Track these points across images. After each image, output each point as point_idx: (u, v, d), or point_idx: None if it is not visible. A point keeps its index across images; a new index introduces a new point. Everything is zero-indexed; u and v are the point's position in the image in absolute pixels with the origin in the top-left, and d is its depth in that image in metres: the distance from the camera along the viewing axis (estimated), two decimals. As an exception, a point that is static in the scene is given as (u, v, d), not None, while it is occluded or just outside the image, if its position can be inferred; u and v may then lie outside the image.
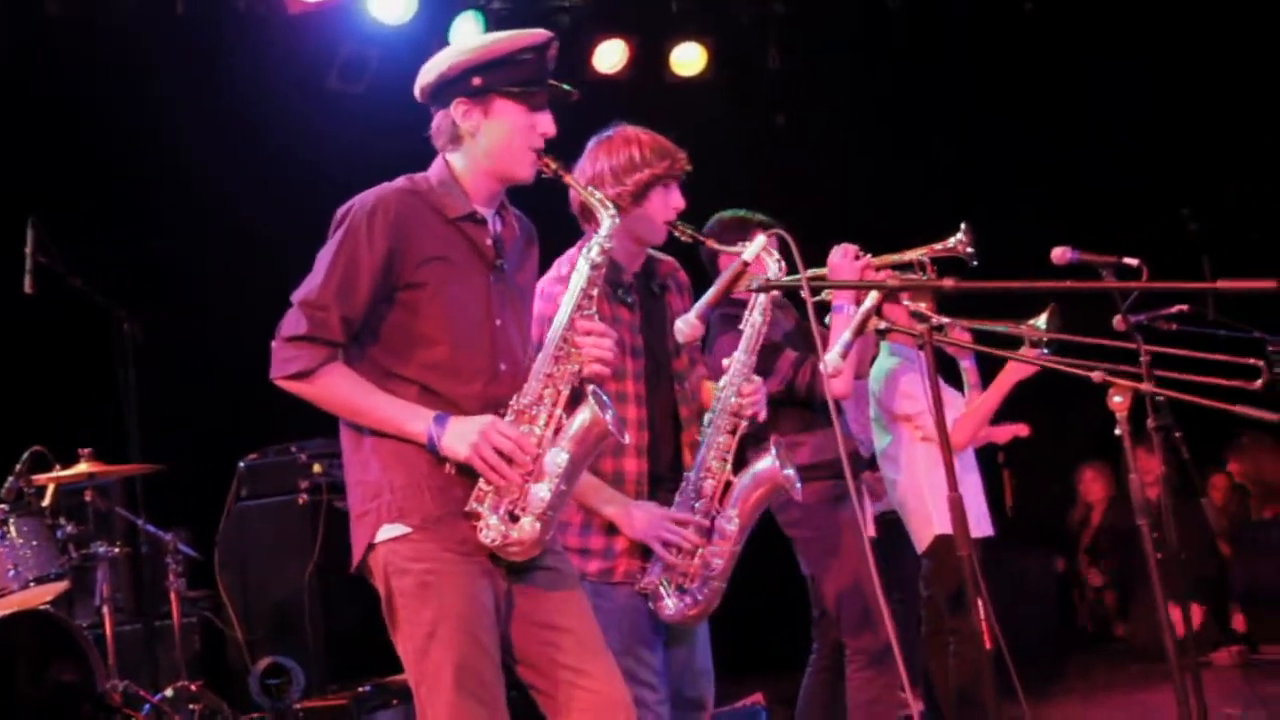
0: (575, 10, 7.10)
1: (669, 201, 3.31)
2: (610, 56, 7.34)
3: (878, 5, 7.62)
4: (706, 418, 3.30)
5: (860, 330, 3.87)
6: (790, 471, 3.31)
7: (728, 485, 3.29)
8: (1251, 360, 3.73)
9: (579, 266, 2.93)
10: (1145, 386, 3.13)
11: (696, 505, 3.25)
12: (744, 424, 3.30)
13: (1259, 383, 3.70)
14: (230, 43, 6.51)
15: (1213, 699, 4.15)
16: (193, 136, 6.44)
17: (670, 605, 3.23)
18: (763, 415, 3.35)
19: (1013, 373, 4.61)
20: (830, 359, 3.78)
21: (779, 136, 8.18)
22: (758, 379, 3.34)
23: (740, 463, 3.33)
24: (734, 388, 3.30)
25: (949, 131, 8.13)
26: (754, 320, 3.34)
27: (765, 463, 3.31)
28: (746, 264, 3.23)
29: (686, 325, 3.23)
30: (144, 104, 6.42)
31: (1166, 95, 7.96)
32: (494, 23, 6.63)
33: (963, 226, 3.90)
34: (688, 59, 7.54)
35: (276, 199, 6.37)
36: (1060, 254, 3.81)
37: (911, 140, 8.05)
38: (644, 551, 3.24)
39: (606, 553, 3.22)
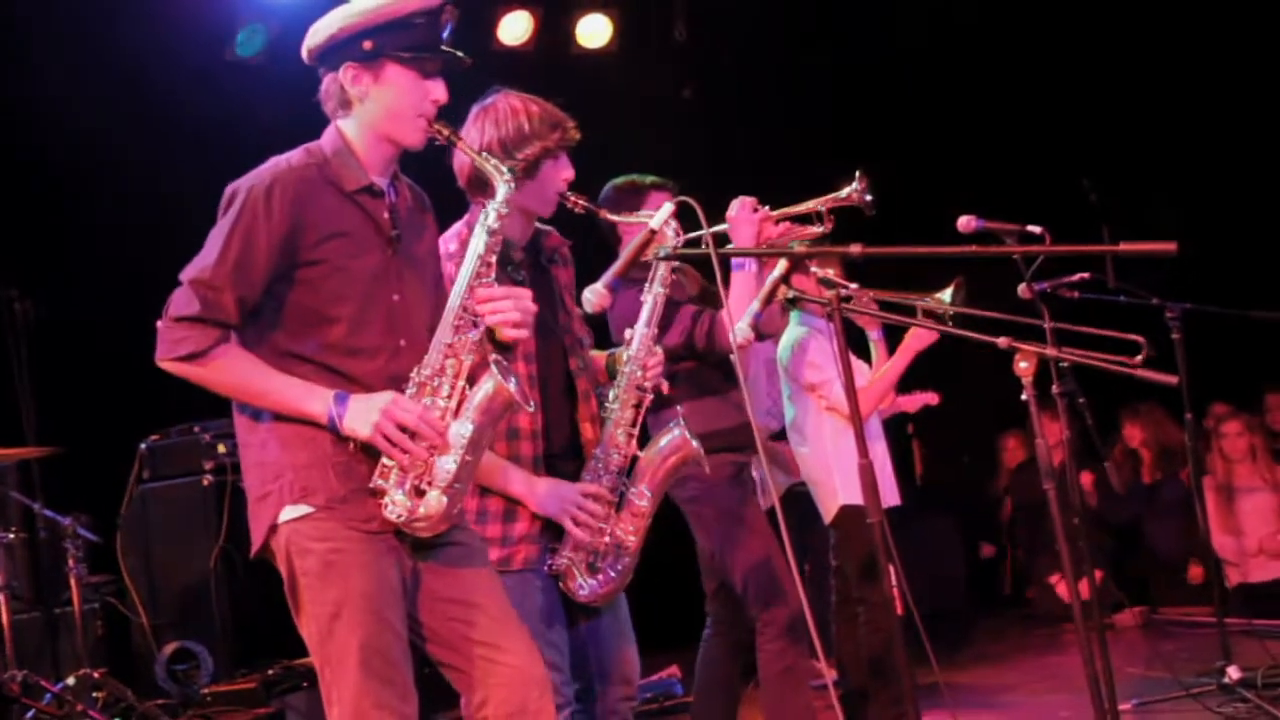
0: (479, -20, 7.02)
1: (559, 173, 3.24)
2: (515, 28, 7.28)
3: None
4: (611, 393, 3.26)
5: (769, 299, 3.86)
6: (697, 443, 3.29)
7: (634, 460, 3.26)
8: (1134, 336, 3.78)
9: (476, 233, 2.86)
10: (1050, 351, 3.16)
11: (604, 481, 3.21)
12: (648, 397, 3.27)
13: (1139, 358, 3.75)
14: (124, 12, 6.32)
15: (1117, 659, 4.25)
16: (86, 110, 6.25)
17: (583, 585, 3.19)
18: (665, 387, 3.32)
19: (915, 341, 4.65)
20: (740, 329, 3.76)
21: (686, 109, 8.16)
22: (660, 351, 3.31)
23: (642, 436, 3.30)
24: (638, 361, 3.26)
25: (854, 103, 8.16)
26: (655, 291, 3.31)
27: (672, 435, 3.28)
28: (654, 232, 3.20)
29: (594, 295, 3.19)
30: (34, 76, 6.23)
31: (1067, 65, 8.08)
32: (395, -7, 6.51)
33: (857, 174, 3.91)
34: (593, 31, 7.51)
35: (174, 173, 6.22)
36: (965, 222, 3.84)
37: (817, 112, 8.08)
38: (544, 536, 3.19)
39: (504, 540, 3.16)
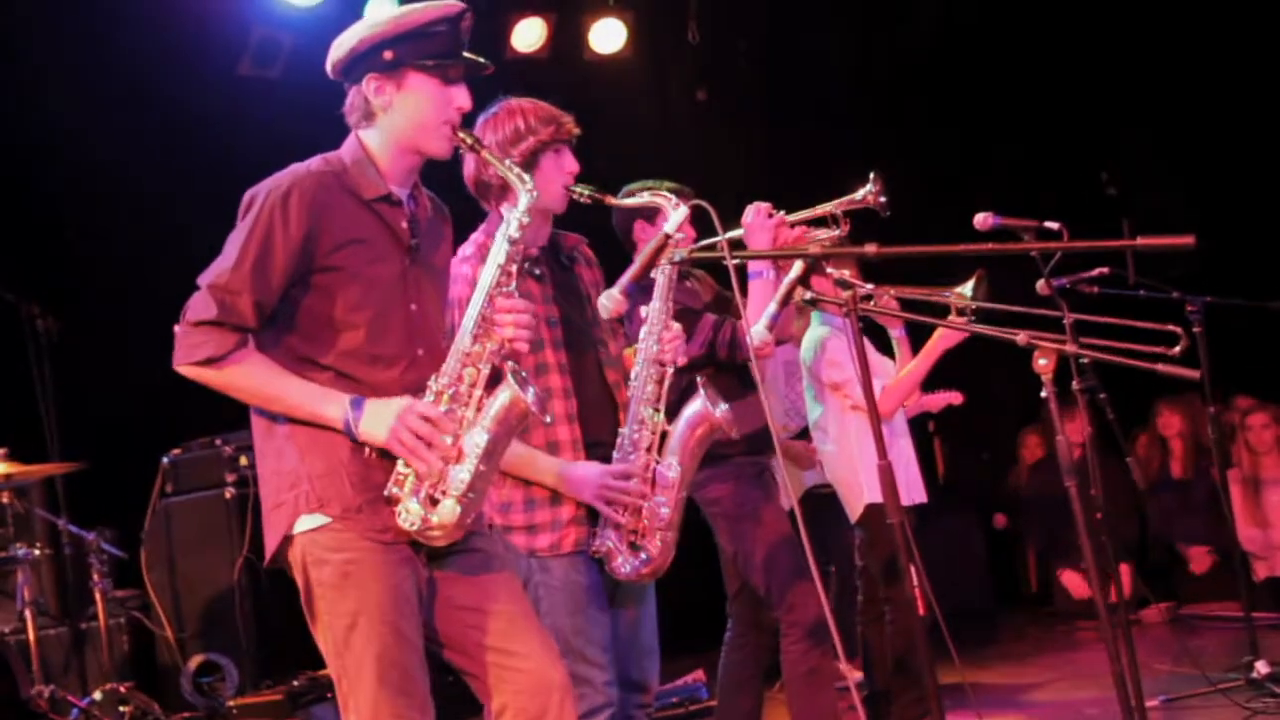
0: (492, -12, 7.02)
1: (562, 166, 3.27)
2: (529, 35, 7.28)
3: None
4: (633, 371, 3.28)
5: (785, 301, 3.86)
6: (722, 409, 3.30)
7: (664, 435, 3.27)
8: (1171, 326, 3.80)
9: (497, 242, 2.86)
10: (1069, 348, 3.14)
11: (633, 458, 3.22)
12: (669, 371, 3.28)
13: (1178, 349, 3.76)
14: (138, 29, 6.35)
15: (1144, 655, 4.22)
16: (103, 127, 6.29)
17: (625, 564, 3.21)
18: (682, 360, 3.32)
19: (942, 340, 4.63)
20: (756, 332, 3.75)
21: (701, 111, 8.16)
22: (676, 325, 3.32)
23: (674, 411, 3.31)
24: (654, 336, 3.28)
25: (870, 99, 8.15)
26: (664, 269, 3.30)
27: (695, 406, 3.30)
28: (669, 236, 3.20)
29: (610, 301, 3.20)
30: (51, 95, 6.26)
31: (1085, 58, 8.04)
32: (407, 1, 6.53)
33: (872, 176, 3.90)
34: (607, 35, 7.50)
35: (191, 187, 6.24)
36: (982, 219, 3.82)
37: (832, 110, 8.06)
38: (591, 517, 3.21)
39: (554, 524, 3.20)
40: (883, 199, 3.89)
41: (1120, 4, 7.84)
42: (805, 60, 7.98)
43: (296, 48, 6.61)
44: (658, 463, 3.25)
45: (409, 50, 2.79)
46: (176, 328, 2.71)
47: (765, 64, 8.04)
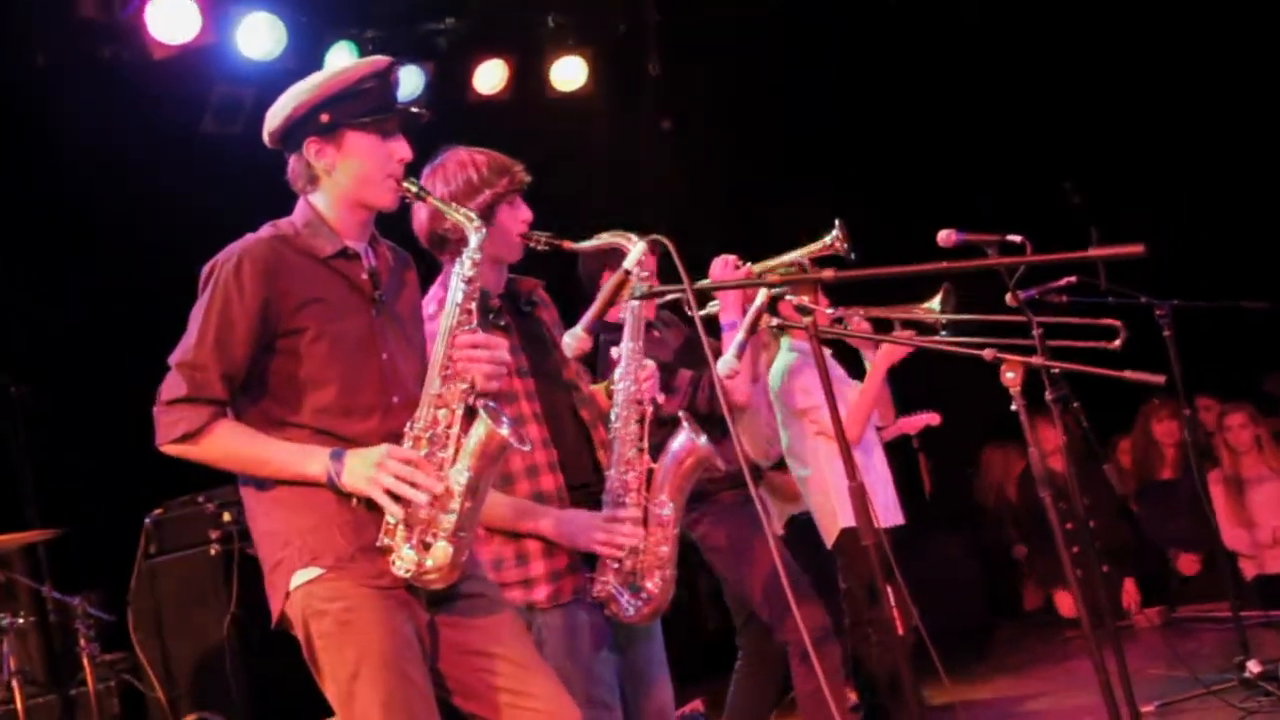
0: (451, 33, 7.05)
1: (517, 216, 3.30)
2: (490, 77, 7.32)
3: (752, 4, 7.67)
4: (613, 413, 3.28)
5: (753, 329, 3.89)
6: (704, 440, 3.30)
7: (650, 473, 3.27)
8: (1109, 320, 3.83)
9: (453, 283, 2.89)
10: (1036, 360, 3.16)
11: (625, 500, 3.22)
12: (649, 409, 3.28)
13: (1117, 342, 3.78)
14: (98, 92, 6.35)
15: (1138, 661, 4.22)
16: (69, 191, 6.28)
17: (628, 606, 3.21)
18: (660, 396, 3.32)
19: (885, 356, 4.66)
20: (726, 360, 3.78)
21: (666, 143, 8.20)
22: (650, 363, 3.33)
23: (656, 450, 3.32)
24: (630, 376, 3.28)
25: (833, 126, 8.19)
26: (632, 306, 3.31)
27: (680, 439, 3.31)
28: (628, 273, 3.21)
29: (574, 339, 3.21)
30: (15, 161, 6.25)
31: (1048, 67, 8.11)
32: (368, 52, 6.55)
33: (837, 223, 3.94)
34: (568, 74, 7.54)
35: (160, 249, 6.22)
36: (946, 236, 3.85)
37: (797, 136, 8.11)
38: (586, 563, 3.21)
39: (551, 576, 3.19)
40: (846, 245, 3.94)
41: (1082, 11, 7.90)
42: (767, 83, 8.03)
43: (258, 103, 6.60)
44: (649, 502, 3.25)
45: (344, 110, 2.83)
46: (154, 409, 2.76)
47: (727, 90, 8.07)
